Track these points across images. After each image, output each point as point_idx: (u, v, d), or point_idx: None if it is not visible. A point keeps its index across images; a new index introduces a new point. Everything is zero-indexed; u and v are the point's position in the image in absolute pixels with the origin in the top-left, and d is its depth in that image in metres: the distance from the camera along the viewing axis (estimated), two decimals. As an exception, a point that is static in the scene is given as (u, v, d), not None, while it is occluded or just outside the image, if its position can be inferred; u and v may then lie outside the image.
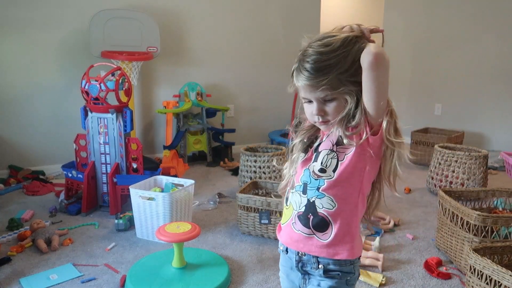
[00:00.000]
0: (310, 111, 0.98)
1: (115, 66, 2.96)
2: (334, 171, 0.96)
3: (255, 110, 4.64)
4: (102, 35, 3.44)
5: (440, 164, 3.14)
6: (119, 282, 1.90)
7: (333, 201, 0.96)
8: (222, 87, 4.42)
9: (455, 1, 4.48)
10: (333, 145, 0.98)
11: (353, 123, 0.94)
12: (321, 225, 0.97)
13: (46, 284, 1.89)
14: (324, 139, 1.02)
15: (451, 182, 3.06)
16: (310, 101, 0.97)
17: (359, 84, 0.91)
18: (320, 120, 0.97)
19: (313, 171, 0.99)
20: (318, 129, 1.05)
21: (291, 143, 1.10)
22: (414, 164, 4.08)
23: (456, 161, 3.04)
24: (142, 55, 3.56)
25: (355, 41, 0.92)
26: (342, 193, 0.96)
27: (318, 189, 0.97)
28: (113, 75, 2.72)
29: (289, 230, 1.03)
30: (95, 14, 3.42)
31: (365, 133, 0.93)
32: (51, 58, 3.59)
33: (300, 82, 0.94)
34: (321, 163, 0.98)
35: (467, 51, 4.41)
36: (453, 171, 3.05)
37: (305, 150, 1.06)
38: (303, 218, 0.99)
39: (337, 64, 0.91)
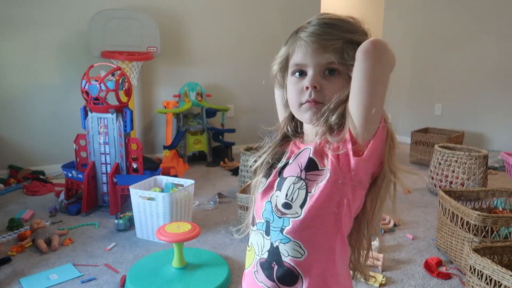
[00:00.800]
0: (299, 88, 0.76)
1: (115, 66, 2.96)
2: (301, 206, 0.72)
3: (255, 110, 4.64)
4: (102, 35, 3.44)
5: (440, 164, 3.14)
6: (119, 282, 1.90)
7: (301, 248, 0.73)
8: (222, 87, 4.42)
9: (455, 1, 4.48)
10: (301, 171, 0.74)
11: (337, 126, 0.73)
12: (288, 278, 0.74)
13: (46, 284, 1.89)
14: (291, 161, 0.78)
15: (451, 182, 3.06)
16: (302, 73, 0.76)
17: None
18: (312, 97, 0.74)
19: (275, 206, 0.76)
20: (287, 143, 0.84)
21: (254, 163, 0.86)
22: (414, 164, 4.08)
23: (456, 161, 3.05)
24: (142, 55, 3.56)
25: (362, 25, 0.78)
26: (312, 236, 0.73)
27: (282, 231, 0.74)
28: (113, 75, 2.72)
29: (251, 279, 0.80)
30: (95, 14, 3.42)
31: (344, 149, 0.70)
32: (51, 58, 3.59)
33: (303, 37, 0.75)
34: (286, 195, 0.74)
35: (467, 51, 4.41)
36: (453, 171, 3.05)
37: (267, 174, 0.82)
38: (266, 267, 0.76)
39: (348, 29, 0.74)
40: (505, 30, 4.09)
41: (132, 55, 3.51)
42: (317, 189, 0.72)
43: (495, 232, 1.88)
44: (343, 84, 0.74)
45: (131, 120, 2.72)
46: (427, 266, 2.04)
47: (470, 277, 1.60)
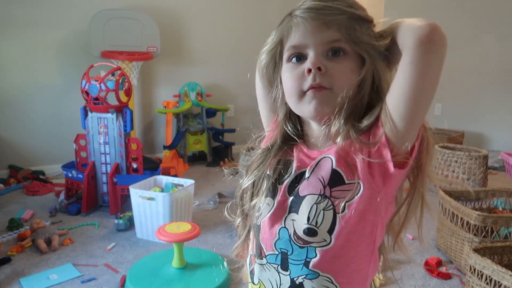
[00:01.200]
0: (298, 72, 0.62)
1: (115, 66, 2.96)
2: (330, 232, 0.58)
3: (255, 110, 4.62)
4: (102, 35, 3.44)
5: (440, 164, 3.13)
6: (119, 282, 1.90)
7: (332, 282, 0.60)
8: (222, 87, 4.42)
9: (455, 1, 4.48)
10: (324, 187, 0.60)
11: (366, 124, 0.60)
12: None
13: (46, 284, 1.89)
14: (307, 174, 0.62)
15: (450, 184, 3.05)
16: (301, 58, 0.63)
17: (378, 55, 0.61)
18: (317, 81, 0.60)
19: (294, 233, 0.61)
20: (289, 149, 0.68)
21: (241, 185, 0.72)
22: (414, 164, 4.08)
23: (456, 161, 3.04)
24: (142, 55, 3.56)
25: None
26: (345, 267, 0.60)
27: (306, 264, 0.60)
28: (113, 75, 2.72)
29: None
30: (95, 14, 3.42)
31: (380, 157, 0.57)
32: (51, 58, 3.59)
33: (300, 14, 0.62)
34: (308, 219, 0.59)
35: (467, 51, 4.40)
36: (453, 171, 3.05)
37: (272, 193, 0.66)
38: None
39: (349, 3, 0.63)
40: (505, 30, 4.09)
41: (132, 55, 3.51)
42: (347, 209, 0.58)
43: (495, 232, 1.88)
44: (353, 67, 0.61)
45: (131, 120, 2.72)
46: (427, 266, 2.04)
47: (470, 277, 1.60)
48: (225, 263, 1.88)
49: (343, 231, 0.58)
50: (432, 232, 2.46)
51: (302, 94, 0.63)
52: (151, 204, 2.30)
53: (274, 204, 0.64)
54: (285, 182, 0.65)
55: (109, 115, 2.67)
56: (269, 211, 0.65)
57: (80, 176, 2.70)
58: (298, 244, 0.60)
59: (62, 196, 2.84)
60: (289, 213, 0.62)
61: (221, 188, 3.28)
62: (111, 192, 2.66)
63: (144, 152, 3.07)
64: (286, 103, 0.68)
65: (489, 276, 1.49)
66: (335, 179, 0.59)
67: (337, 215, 0.58)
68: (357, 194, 0.58)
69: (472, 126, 4.41)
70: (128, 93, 2.81)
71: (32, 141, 3.60)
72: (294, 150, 0.68)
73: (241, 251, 0.78)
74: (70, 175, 2.77)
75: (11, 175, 3.44)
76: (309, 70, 0.61)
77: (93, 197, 2.76)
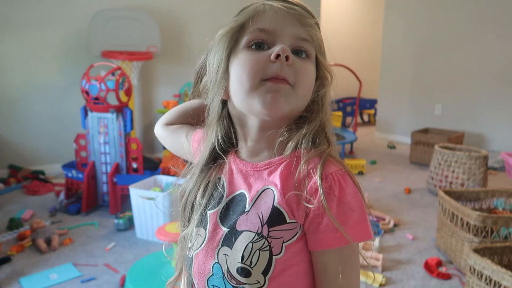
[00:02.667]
0: (260, 57, 0.56)
1: (115, 66, 2.96)
2: (264, 274, 0.53)
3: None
4: (102, 35, 3.44)
5: (440, 164, 3.14)
6: (119, 282, 1.90)
7: None
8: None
9: (455, 1, 4.48)
10: (262, 225, 0.54)
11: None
12: None
13: (46, 284, 1.89)
14: (247, 209, 0.56)
15: (451, 183, 3.05)
16: (262, 46, 0.57)
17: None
18: (283, 72, 0.55)
19: (227, 270, 0.55)
20: (220, 163, 0.62)
21: (182, 196, 0.64)
22: (414, 164, 4.08)
23: (456, 162, 3.04)
24: (142, 55, 3.56)
25: None
26: None
27: None
28: (113, 74, 2.72)
29: None
30: (95, 14, 3.42)
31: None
32: (51, 58, 3.58)
33: (274, 4, 0.58)
34: (242, 257, 0.53)
35: (467, 51, 4.41)
36: (453, 172, 3.05)
37: (202, 222, 0.61)
38: None
39: (320, 35, 0.61)
40: (506, 30, 4.09)
41: (132, 54, 3.51)
42: (284, 250, 0.53)
43: (495, 233, 1.88)
44: (313, 73, 0.59)
45: (131, 120, 2.72)
46: (427, 266, 2.04)
47: (470, 277, 1.60)
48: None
49: (279, 274, 0.53)
50: (432, 232, 2.46)
51: (258, 82, 0.55)
52: (151, 204, 2.30)
53: (206, 235, 0.59)
54: (216, 210, 0.59)
55: (109, 115, 2.67)
56: (202, 243, 0.59)
57: (80, 176, 2.70)
58: (231, 283, 0.55)
59: (62, 196, 2.84)
60: (221, 246, 0.56)
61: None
62: (111, 192, 2.66)
63: (144, 152, 3.07)
64: (222, 103, 0.61)
65: (489, 276, 1.49)
66: (275, 218, 0.54)
67: (273, 256, 0.53)
68: (296, 235, 0.54)
69: (472, 126, 4.41)
70: (128, 93, 2.81)
71: (32, 141, 3.59)
72: (225, 165, 0.62)
73: (173, 282, 0.70)
74: (70, 175, 2.77)
75: (11, 175, 3.44)
76: (277, 56, 0.55)
77: (93, 197, 2.76)
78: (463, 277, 1.95)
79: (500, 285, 1.45)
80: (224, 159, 0.61)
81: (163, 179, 2.59)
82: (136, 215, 2.37)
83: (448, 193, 2.25)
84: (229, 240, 0.55)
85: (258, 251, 0.53)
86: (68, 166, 2.84)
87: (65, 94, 3.65)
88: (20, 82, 3.50)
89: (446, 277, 1.97)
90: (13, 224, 2.45)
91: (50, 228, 2.41)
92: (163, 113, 3.44)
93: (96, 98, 2.65)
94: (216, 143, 0.61)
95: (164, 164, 3.44)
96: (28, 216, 2.62)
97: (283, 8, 0.57)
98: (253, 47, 0.57)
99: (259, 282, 0.53)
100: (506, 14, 4.08)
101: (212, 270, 0.57)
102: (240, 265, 0.53)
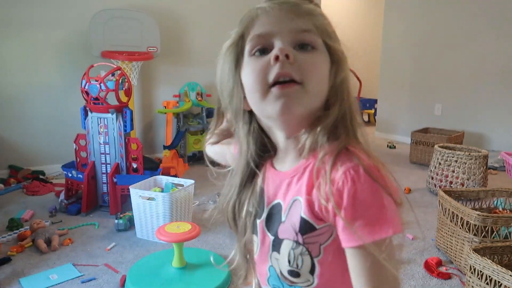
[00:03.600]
0: (261, 64, 0.55)
1: (115, 66, 2.96)
2: (312, 273, 0.57)
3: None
4: (102, 35, 3.44)
5: (440, 164, 3.14)
6: (119, 282, 1.90)
7: None
8: (222, 87, 4.41)
9: (455, 1, 4.47)
10: (296, 234, 0.57)
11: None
12: None
13: (46, 284, 1.89)
14: (283, 219, 0.60)
15: (451, 182, 3.05)
16: (265, 51, 0.56)
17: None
18: (285, 70, 0.53)
19: (280, 273, 0.60)
20: (260, 169, 0.64)
21: (227, 208, 0.69)
22: (414, 164, 4.08)
23: (456, 161, 3.04)
24: (142, 55, 3.56)
25: None
26: None
27: None
28: (113, 75, 2.72)
29: None
30: (95, 14, 3.42)
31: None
32: (51, 58, 3.59)
33: (266, 6, 0.57)
34: (289, 262, 0.58)
35: (467, 51, 4.40)
36: (453, 171, 3.05)
37: (254, 229, 0.65)
38: None
39: (324, 17, 0.59)
40: (505, 30, 4.09)
41: (132, 55, 3.51)
42: (323, 252, 0.56)
43: (495, 232, 1.88)
44: (325, 62, 0.56)
45: (131, 120, 2.72)
46: (427, 266, 2.04)
47: (470, 277, 1.60)
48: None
49: (324, 271, 0.57)
50: (432, 232, 2.46)
51: (266, 88, 0.54)
52: (151, 204, 2.30)
53: (258, 241, 0.64)
54: (262, 219, 0.63)
55: (109, 115, 2.67)
56: (257, 248, 0.65)
57: (80, 176, 2.70)
58: (286, 282, 0.60)
59: (62, 196, 2.84)
60: (272, 251, 0.61)
61: (221, 188, 3.27)
62: (111, 192, 2.66)
63: (144, 152, 3.07)
64: (247, 112, 0.61)
65: (489, 276, 1.49)
66: (305, 227, 0.56)
67: (314, 259, 0.56)
68: (331, 236, 0.55)
69: (472, 126, 4.41)
70: (128, 93, 2.81)
71: (32, 141, 3.60)
72: (263, 174, 0.64)
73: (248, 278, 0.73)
74: (70, 175, 2.77)
75: (11, 175, 3.44)
76: (276, 57, 0.53)
77: (93, 197, 2.76)
78: (463, 277, 1.95)
79: (500, 285, 1.45)
80: (260, 170, 0.63)
81: (163, 179, 2.59)
82: (136, 215, 2.37)
83: (448, 192, 2.25)
84: (276, 246, 0.59)
85: (300, 255, 0.57)
86: (68, 166, 2.84)
87: (65, 94, 3.65)
88: (20, 82, 3.50)
89: (446, 277, 1.97)
90: (13, 224, 2.45)
91: (50, 228, 2.41)
92: (163, 113, 3.44)
93: (96, 99, 2.65)
94: (250, 155, 0.63)
95: (164, 164, 3.44)
96: (28, 217, 2.62)
97: (275, 6, 0.55)
98: (257, 54, 0.56)
99: (309, 280, 0.58)
100: (506, 14, 4.08)
101: (269, 272, 0.62)
102: (288, 268, 0.58)
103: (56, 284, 1.89)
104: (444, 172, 3.10)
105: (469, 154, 3.00)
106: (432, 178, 3.20)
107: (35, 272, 1.99)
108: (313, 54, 0.55)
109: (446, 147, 3.26)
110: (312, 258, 0.56)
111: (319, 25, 0.56)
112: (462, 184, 2.99)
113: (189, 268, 1.97)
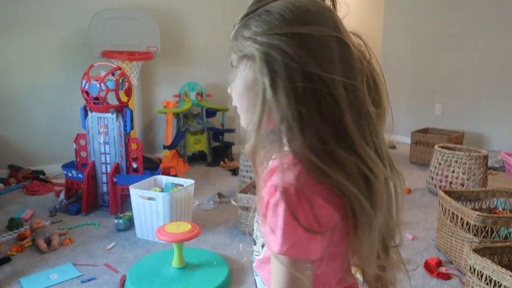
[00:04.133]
0: None
1: (115, 66, 2.96)
2: (262, 246, 0.67)
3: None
4: (102, 35, 3.44)
5: (440, 164, 3.14)
6: (119, 282, 1.90)
7: (264, 284, 0.69)
8: (222, 87, 4.40)
9: (455, 1, 4.47)
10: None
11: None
12: None
13: (46, 284, 1.89)
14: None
15: (451, 183, 3.05)
16: None
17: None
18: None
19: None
20: None
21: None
22: (414, 164, 4.08)
23: (456, 161, 3.04)
24: (142, 55, 3.56)
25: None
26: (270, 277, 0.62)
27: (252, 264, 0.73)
28: (113, 74, 2.72)
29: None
30: (95, 14, 3.42)
31: None
32: (51, 58, 3.58)
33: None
34: (254, 231, 0.71)
35: (467, 51, 4.40)
36: (453, 171, 3.05)
37: None
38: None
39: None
40: (505, 30, 4.09)
41: (132, 55, 3.51)
42: (263, 252, 0.68)
43: (495, 233, 1.88)
44: (241, 79, 0.64)
45: (131, 120, 2.72)
46: (427, 266, 2.04)
47: (470, 277, 1.60)
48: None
49: (267, 252, 0.64)
50: (432, 232, 2.46)
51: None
52: (151, 204, 2.30)
53: None
54: None
55: (109, 115, 2.67)
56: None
57: (80, 176, 2.70)
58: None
59: (62, 196, 2.84)
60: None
61: (221, 188, 3.28)
62: (111, 192, 2.66)
63: (144, 152, 3.07)
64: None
65: (489, 277, 1.49)
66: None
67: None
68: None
69: (472, 126, 4.41)
70: (128, 93, 2.81)
71: (32, 141, 3.60)
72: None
73: None
74: (70, 175, 2.77)
75: (11, 175, 3.44)
76: None
77: (93, 197, 2.76)
78: (463, 277, 1.95)
79: (500, 285, 1.45)
80: None
81: (163, 179, 2.59)
82: (136, 215, 2.37)
83: (448, 193, 2.25)
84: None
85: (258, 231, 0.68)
86: (68, 166, 2.84)
87: (65, 94, 3.65)
88: (20, 82, 3.50)
89: (446, 277, 1.97)
90: (13, 224, 2.45)
91: (50, 228, 2.41)
92: (163, 113, 3.45)
93: (96, 98, 2.65)
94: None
95: (164, 164, 3.44)
96: (28, 216, 2.62)
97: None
98: None
99: (258, 252, 0.69)
100: (506, 14, 4.08)
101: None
102: (253, 235, 0.71)
103: (55, 284, 1.89)
104: (444, 172, 3.10)
105: (469, 154, 3.00)
106: (432, 178, 3.20)
107: (35, 271, 2.00)
108: (235, 74, 0.67)
109: (446, 147, 3.26)
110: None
111: (234, 44, 0.64)
112: (462, 185, 3.00)
113: (189, 268, 1.97)
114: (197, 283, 1.87)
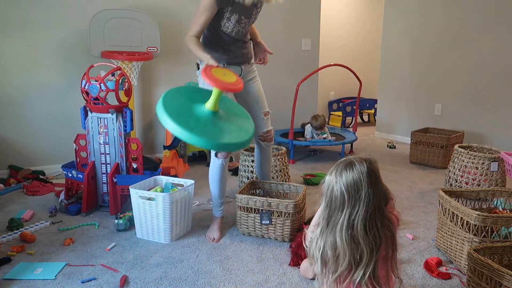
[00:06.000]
0: None
1: (115, 66, 2.96)
2: None
3: (255, 110, 4.63)
4: (102, 35, 3.44)
5: (455, 163, 3.12)
6: (119, 282, 1.90)
7: None
8: (222, 87, 4.41)
9: (455, 1, 4.47)
10: None
11: None
12: None
13: (28, 276, 1.94)
14: None
15: (466, 183, 3.03)
16: None
17: None
18: None
19: None
20: None
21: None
22: (414, 164, 4.08)
23: (473, 162, 3.02)
24: (142, 55, 3.56)
25: None
26: None
27: None
28: (113, 75, 2.72)
29: None
30: (95, 14, 3.42)
31: None
32: (51, 58, 3.59)
33: None
34: None
35: (467, 51, 4.40)
36: (469, 172, 3.02)
37: None
38: None
39: None
40: (505, 30, 4.09)
41: (132, 55, 3.51)
42: None
43: (495, 232, 1.88)
44: None
45: (131, 120, 2.72)
46: (427, 266, 2.04)
47: (470, 277, 1.60)
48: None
49: None
50: (432, 232, 2.46)
51: None
52: (151, 204, 2.30)
53: None
54: None
55: (109, 115, 2.67)
56: None
57: (80, 176, 2.70)
58: None
59: (62, 196, 2.84)
60: None
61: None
62: (111, 192, 2.66)
63: (144, 152, 3.07)
64: None
65: (489, 277, 1.49)
66: None
67: None
68: None
69: (472, 126, 4.41)
70: (128, 93, 2.81)
71: (32, 141, 3.60)
72: None
73: None
74: (70, 175, 2.77)
75: (11, 175, 3.44)
76: None
77: (93, 197, 2.76)
78: (463, 277, 1.95)
79: (500, 285, 1.45)
80: None
81: (163, 179, 2.59)
82: (136, 215, 2.37)
83: (448, 193, 2.25)
84: None
85: None
86: (68, 166, 2.84)
87: (65, 94, 3.65)
88: (20, 82, 3.50)
89: (446, 277, 1.97)
90: (13, 224, 2.45)
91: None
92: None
93: (96, 99, 2.65)
94: None
95: (164, 164, 3.44)
96: (28, 217, 2.62)
97: None
98: None
99: None
100: (506, 14, 4.08)
101: None
102: None
103: (35, 279, 1.92)
104: (459, 172, 3.08)
105: (486, 154, 3.01)
106: (450, 178, 3.16)
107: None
108: None
109: (465, 147, 3.25)
110: None
111: None
112: (478, 185, 2.97)
113: (220, 115, 1.90)
114: (226, 128, 1.82)
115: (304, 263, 1.93)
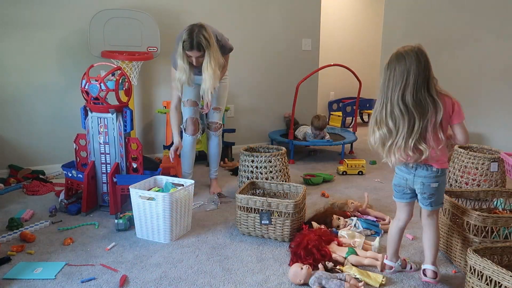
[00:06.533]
0: None
1: (115, 66, 2.96)
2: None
3: (255, 110, 4.64)
4: (102, 35, 3.44)
5: (455, 163, 3.13)
6: (119, 282, 1.90)
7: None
8: (222, 87, 4.41)
9: (456, 1, 4.47)
10: None
11: None
12: None
13: (28, 276, 1.94)
14: None
15: (466, 183, 3.03)
16: None
17: None
18: None
19: None
20: None
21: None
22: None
23: (473, 162, 3.02)
24: (142, 55, 3.56)
25: None
26: None
27: None
28: (113, 75, 2.72)
29: None
30: (95, 14, 3.42)
31: None
32: (51, 58, 3.59)
33: None
34: None
35: (468, 51, 4.40)
36: (469, 172, 3.02)
37: None
38: None
39: None
40: (506, 30, 4.09)
41: (132, 55, 3.51)
42: None
43: (495, 233, 1.88)
44: None
45: (131, 120, 2.72)
46: (427, 266, 2.04)
47: (470, 277, 1.60)
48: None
49: None
50: (432, 232, 2.46)
51: None
52: (151, 204, 2.30)
53: None
54: None
55: (109, 115, 2.67)
56: None
57: (80, 176, 2.70)
58: None
59: (62, 195, 2.84)
60: None
61: (221, 188, 3.28)
62: (111, 192, 2.66)
63: (144, 152, 3.07)
64: None
65: (489, 277, 1.49)
66: None
67: None
68: None
69: (472, 126, 4.39)
70: (128, 93, 2.81)
71: (32, 141, 3.60)
72: None
73: None
74: (70, 175, 2.77)
75: (11, 175, 3.44)
76: None
77: (93, 197, 2.76)
78: (463, 277, 1.94)
79: (500, 286, 1.45)
80: None
81: (163, 179, 2.59)
82: (136, 215, 2.37)
83: (448, 193, 2.25)
84: None
85: None
86: (68, 166, 2.84)
87: (65, 94, 3.65)
88: (20, 82, 3.50)
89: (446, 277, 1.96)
90: (13, 224, 2.45)
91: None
92: (163, 113, 3.43)
93: (96, 98, 2.65)
94: None
95: (164, 164, 3.44)
96: (28, 216, 2.62)
97: None
98: None
99: None
100: (506, 14, 4.07)
101: None
102: None
103: (35, 279, 1.92)
104: (459, 173, 3.08)
105: (485, 154, 3.01)
106: (450, 178, 3.16)
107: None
108: None
109: (464, 147, 3.25)
110: None
111: None
112: (478, 185, 2.98)
113: None
114: None
115: (293, 268, 1.91)
